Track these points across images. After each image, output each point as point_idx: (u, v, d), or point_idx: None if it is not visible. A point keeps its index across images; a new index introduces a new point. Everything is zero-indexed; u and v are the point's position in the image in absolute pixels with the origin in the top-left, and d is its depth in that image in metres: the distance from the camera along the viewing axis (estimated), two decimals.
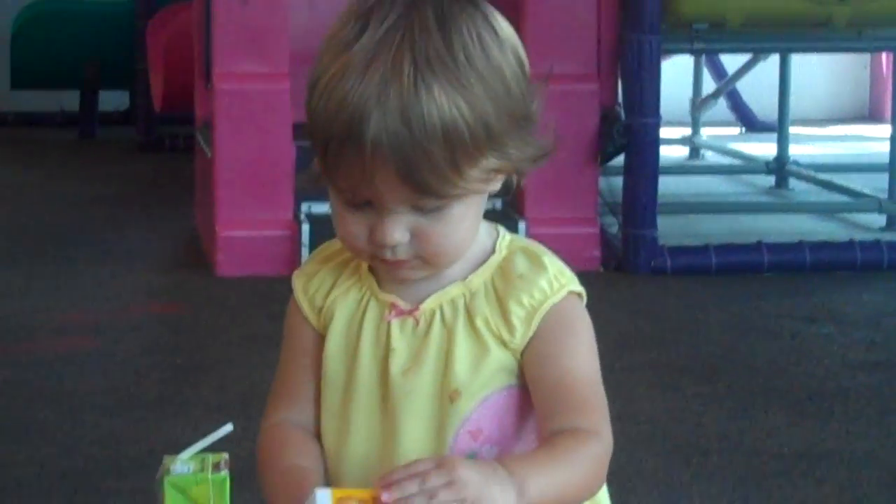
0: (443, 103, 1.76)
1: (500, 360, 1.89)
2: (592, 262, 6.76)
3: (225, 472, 1.61)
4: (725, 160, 9.96)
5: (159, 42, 9.20)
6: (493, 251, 1.94)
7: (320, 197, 6.58)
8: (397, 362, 1.89)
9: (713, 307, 6.29)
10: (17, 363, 5.53)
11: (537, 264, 1.91)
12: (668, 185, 7.49)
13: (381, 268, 1.91)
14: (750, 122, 11.02)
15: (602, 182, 7.27)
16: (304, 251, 6.67)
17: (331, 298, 1.96)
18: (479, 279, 1.91)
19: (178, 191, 8.15)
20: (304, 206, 6.73)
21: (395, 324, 1.91)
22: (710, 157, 10.10)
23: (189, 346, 5.84)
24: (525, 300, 1.88)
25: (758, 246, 6.94)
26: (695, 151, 10.14)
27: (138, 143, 10.27)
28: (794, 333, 5.96)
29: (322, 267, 2.00)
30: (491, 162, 1.82)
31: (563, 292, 1.89)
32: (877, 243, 7.10)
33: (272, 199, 6.77)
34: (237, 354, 5.63)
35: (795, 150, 9.24)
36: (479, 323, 1.88)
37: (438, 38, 1.78)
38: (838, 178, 8.71)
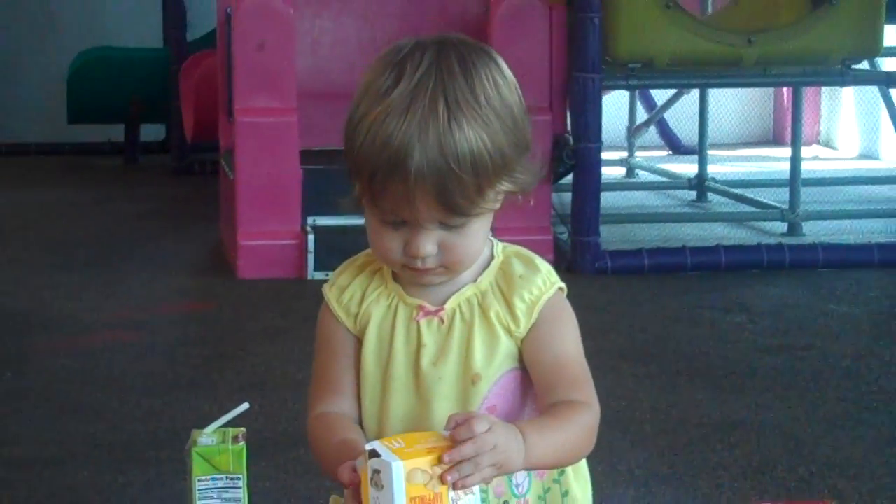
0: (471, 137, 1.81)
1: (507, 347, 1.93)
2: None
3: (242, 444, 1.62)
4: (655, 178, 9.96)
5: (190, 83, 9.17)
6: (492, 257, 1.98)
7: (323, 212, 6.63)
8: (427, 355, 1.93)
9: (646, 301, 6.30)
10: (73, 353, 5.53)
11: (532, 266, 1.96)
12: (608, 199, 7.49)
13: (408, 275, 1.93)
14: (675, 146, 11.03)
15: (554, 197, 7.28)
16: (310, 257, 6.67)
17: (364, 305, 1.97)
18: (486, 280, 1.95)
19: (206, 207, 8.14)
20: (310, 220, 6.71)
21: (423, 323, 1.94)
22: (643, 175, 10.09)
23: (215, 337, 5.84)
24: (526, 296, 1.93)
25: (682, 249, 6.96)
26: (630, 171, 10.13)
27: (173, 168, 10.24)
28: (712, 322, 5.98)
29: (352, 280, 2.00)
30: (504, 185, 1.87)
31: (554, 288, 1.95)
32: (780, 246, 7.11)
33: (283, 214, 6.77)
34: (255, 345, 5.63)
35: (713, 169, 9.25)
36: (493, 316, 1.92)
37: (463, 83, 1.83)
38: (748, 192, 8.72)
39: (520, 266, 1.96)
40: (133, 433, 4.53)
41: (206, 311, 6.28)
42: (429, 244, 1.86)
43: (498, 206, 1.91)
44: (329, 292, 2.01)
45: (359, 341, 1.98)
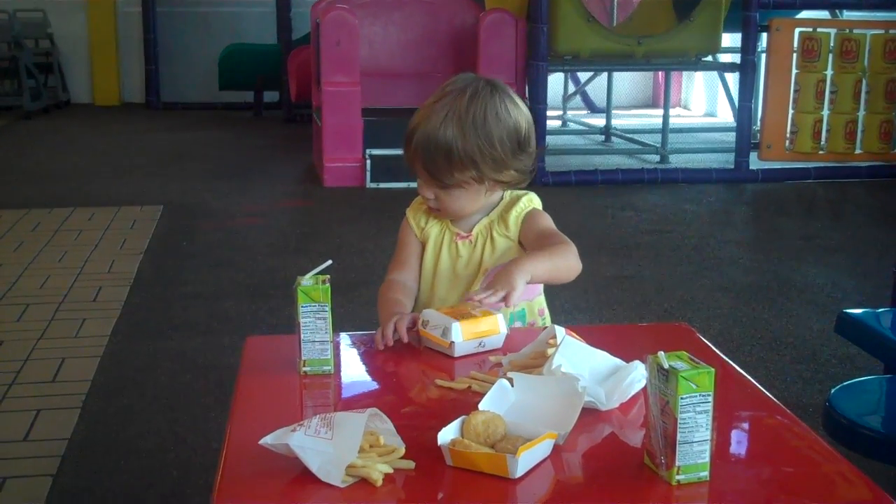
0: (449, 137, 1.82)
1: (507, 247, 1.95)
2: None
3: (328, 285, 1.61)
4: (580, 127, 9.89)
5: (294, 65, 9.08)
6: (500, 199, 1.99)
7: (376, 145, 6.57)
8: (461, 262, 1.97)
9: (573, 202, 6.28)
10: (223, 230, 5.54)
11: (518, 201, 1.97)
12: (550, 140, 7.44)
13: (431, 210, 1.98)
14: (591, 107, 10.92)
15: None
16: (368, 174, 6.67)
17: (427, 226, 1.99)
18: (495, 214, 1.97)
19: (304, 143, 8.10)
20: (368, 151, 6.69)
21: (460, 243, 1.97)
22: (572, 126, 10.02)
23: (310, 222, 5.82)
24: (514, 216, 1.95)
25: (595, 171, 6.91)
26: (564, 122, 10.06)
27: (283, 118, 10.16)
28: (613, 215, 5.96)
29: (420, 208, 2.01)
30: (471, 174, 1.86)
31: (530, 207, 1.97)
32: (655, 169, 7.08)
33: (351, 146, 6.73)
34: (334, 227, 5.62)
35: (615, 122, 9.19)
36: (496, 234, 1.95)
37: (465, 105, 1.83)
38: (636, 136, 8.68)
39: (511, 202, 1.97)
40: (261, 279, 4.55)
41: (304, 206, 6.26)
42: (427, 192, 1.90)
43: (473, 186, 1.88)
44: (409, 212, 2.02)
45: (422, 245, 1.99)
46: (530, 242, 1.93)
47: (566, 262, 1.86)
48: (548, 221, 1.96)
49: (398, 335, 1.71)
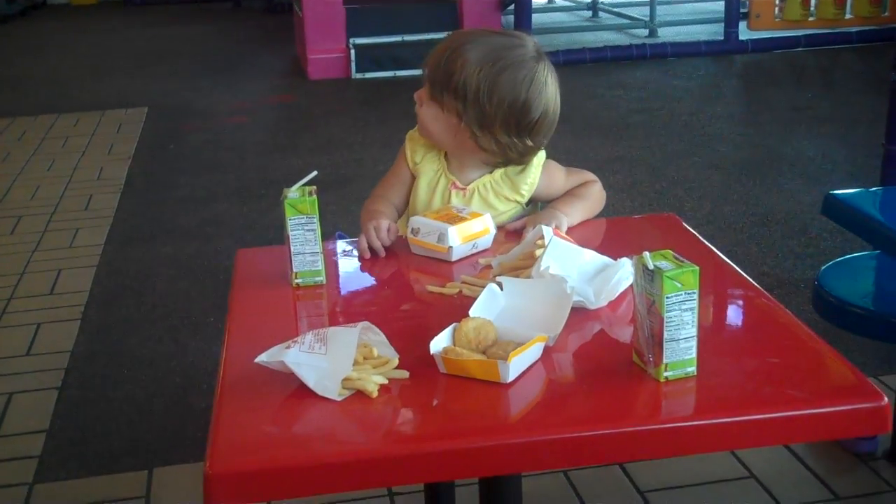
0: (462, 61, 1.75)
1: (511, 209, 1.89)
2: None
3: (315, 196, 1.60)
4: (567, 4, 9.72)
5: None
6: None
7: (359, 34, 6.48)
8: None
9: (561, 83, 6.18)
10: (210, 130, 5.50)
11: (527, 164, 1.88)
12: (537, 18, 7.33)
13: None
14: None
15: (503, 19, 7.14)
16: (353, 65, 6.60)
17: (421, 162, 1.92)
18: (497, 173, 1.88)
19: (286, 34, 7.97)
20: (352, 40, 6.60)
21: (454, 192, 1.89)
22: (559, 2, 9.85)
23: (297, 117, 5.78)
24: (528, 181, 1.87)
25: (582, 49, 6.81)
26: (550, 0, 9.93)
27: (263, 8, 9.99)
28: (602, 95, 5.91)
29: (419, 140, 1.93)
30: (457, 105, 1.77)
31: (541, 166, 1.88)
32: (643, 45, 6.97)
33: (335, 36, 6.64)
34: (321, 121, 5.58)
35: None
36: (502, 195, 1.87)
37: (498, 50, 1.76)
38: (624, 10, 8.55)
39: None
40: (250, 180, 4.53)
41: (290, 101, 6.20)
42: (418, 94, 1.83)
43: (452, 122, 1.79)
44: (407, 138, 1.96)
45: (412, 178, 1.93)
46: (556, 195, 1.91)
47: (596, 201, 1.89)
48: (559, 171, 1.91)
49: (375, 245, 1.72)
